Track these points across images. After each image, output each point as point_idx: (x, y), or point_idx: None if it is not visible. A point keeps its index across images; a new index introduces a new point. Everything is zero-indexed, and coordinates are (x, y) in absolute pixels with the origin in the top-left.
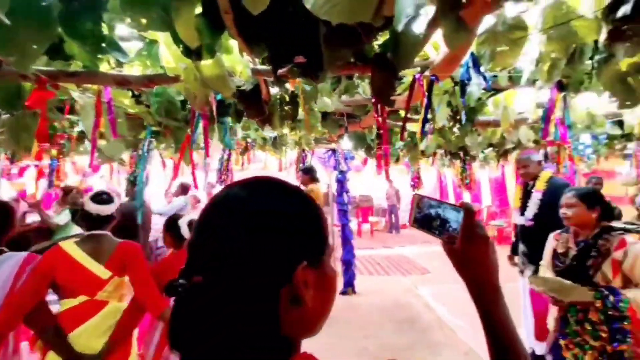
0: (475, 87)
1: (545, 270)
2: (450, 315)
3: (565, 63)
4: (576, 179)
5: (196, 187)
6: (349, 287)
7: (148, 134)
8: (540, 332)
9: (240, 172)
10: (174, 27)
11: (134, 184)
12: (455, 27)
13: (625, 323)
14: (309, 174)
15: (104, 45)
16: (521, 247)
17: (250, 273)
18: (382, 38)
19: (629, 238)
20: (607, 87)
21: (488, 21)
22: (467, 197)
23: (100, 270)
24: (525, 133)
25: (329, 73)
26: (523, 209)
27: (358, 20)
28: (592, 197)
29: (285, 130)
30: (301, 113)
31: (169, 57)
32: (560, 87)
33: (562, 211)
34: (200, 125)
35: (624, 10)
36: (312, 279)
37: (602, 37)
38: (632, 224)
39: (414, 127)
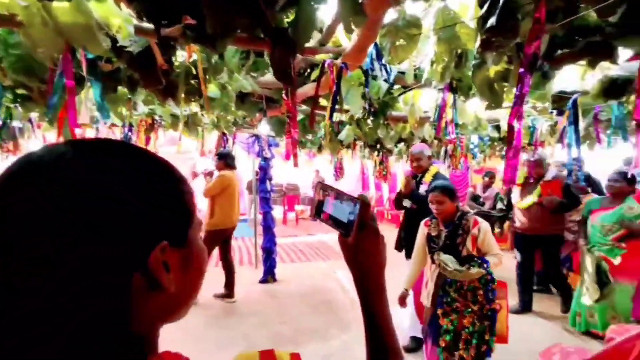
0: (382, 77)
1: (421, 250)
2: None
3: (455, 66)
4: (469, 175)
5: None
6: (269, 275)
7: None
8: (420, 311)
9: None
10: None
11: None
12: (352, 11)
13: (494, 285)
14: (223, 159)
15: None
16: (403, 234)
17: (84, 262)
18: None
19: (478, 218)
20: (479, 91)
21: (391, 15)
22: (385, 188)
23: None
24: (428, 130)
25: (228, 44)
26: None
27: None
28: (452, 192)
29: (195, 109)
30: (215, 91)
31: None
32: (451, 89)
33: (433, 207)
34: (63, 84)
35: (491, 21)
36: (175, 261)
37: (477, 44)
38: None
39: (335, 116)
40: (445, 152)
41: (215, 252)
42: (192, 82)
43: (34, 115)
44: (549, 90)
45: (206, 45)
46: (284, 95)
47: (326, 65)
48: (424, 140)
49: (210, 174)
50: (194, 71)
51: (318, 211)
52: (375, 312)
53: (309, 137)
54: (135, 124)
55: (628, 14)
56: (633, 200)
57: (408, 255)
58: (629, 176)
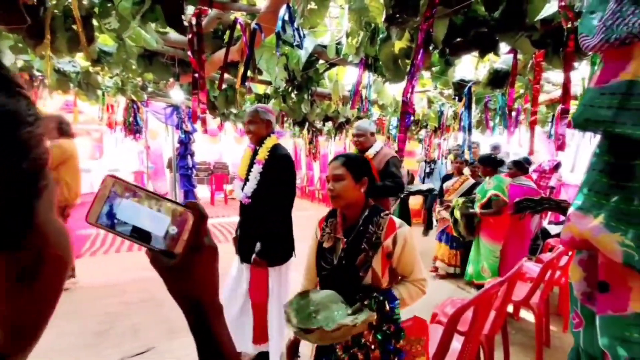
0: (304, 52)
1: (311, 271)
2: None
3: (370, 42)
4: None
5: None
6: None
7: None
8: (261, 333)
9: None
10: None
11: None
12: None
13: (402, 341)
14: (55, 124)
15: None
16: (239, 232)
17: None
18: None
19: (396, 220)
20: (384, 65)
21: None
22: (316, 167)
23: None
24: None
25: None
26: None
27: None
28: (360, 166)
29: (81, 61)
30: (111, 45)
31: None
32: (367, 65)
33: (328, 186)
34: None
35: None
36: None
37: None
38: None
39: (258, 88)
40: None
41: None
42: (73, 27)
43: None
44: (451, 76)
45: None
46: (189, 52)
47: (237, 24)
48: (347, 120)
49: None
50: (75, 14)
51: (109, 215)
52: (216, 339)
53: (234, 110)
54: None
55: (507, 10)
56: (499, 178)
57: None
58: (497, 159)
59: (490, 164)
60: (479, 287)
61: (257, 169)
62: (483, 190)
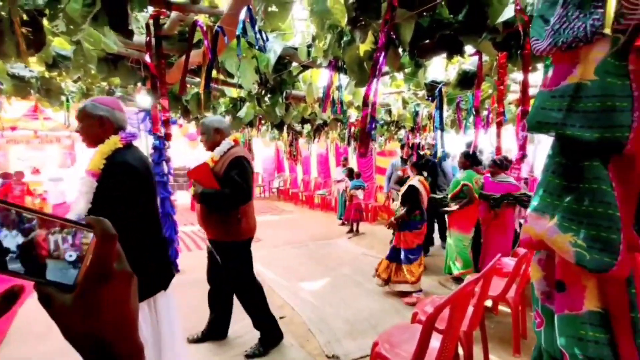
0: (272, 54)
1: None
2: (272, 275)
3: (337, 45)
4: (373, 157)
5: None
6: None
7: None
8: None
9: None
10: None
11: None
12: None
13: None
14: None
15: None
16: None
17: None
18: None
19: None
20: (349, 68)
21: None
22: (299, 170)
23: None
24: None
25: None
26: None
27: None
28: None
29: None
30: (69, 48)
31: None
32: (337, 67)
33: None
34: None
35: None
36: None
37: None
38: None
39: (233, 92)
40: (350, 135)
41: None
42: (25, 30)
43: None
44: (422, 78)
45: None
46: (147, 57)
47: (197, 25)
48: (325, 123)
49: None
50: (25, 17)
51: None
52: None
53: (208, 114)
54: None
55: (470, 12)
56: (470, 172)
57: None
58: (469, 155)
59: (469, 158)
60: (458, 279)
61: (87, 182)
62: (456, 182)
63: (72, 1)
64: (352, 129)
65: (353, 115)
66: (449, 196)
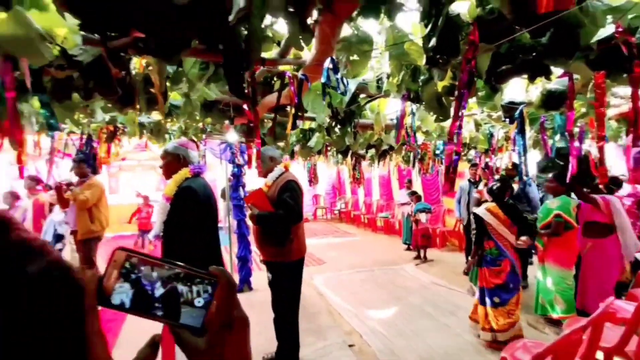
0: (348, 94)
1: None
2: (338, 299)
3: (410, 79)
4: (439, 178)
5: (21, 176)
6: (245, 283)
7: None
8: None
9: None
10: None
11: None
12: (300, 30)
13: None
14: (85, 163)
15: None
16: None
17: None
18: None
19: None
20: (427, 104)
21: (346, 31)
22: (360, 192)
23: None
24: (394, 137)
25: (182, 56)
26: None
27: None
28: None
29: (157, 116)
30: (179, 99)
31: None
32: (410, 98)
33: None
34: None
35: (433, 42)
36: None
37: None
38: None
39: (305, 123)
40: (414, 157)
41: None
42: (152, 90)
43: None
44: (499, 101)
45: (158, 57)
46: (244, 106)
47: (286, 77)
48: (391, 147)
49: (69, 185)
50: (145, 74)
51: (126, 294)
52: None
53: (281, 144)
54: (95, 133)
55: (554, 36)
56: (565, 199)
57: None
58: (559, 177)
59: (563, 182)
60: (553, 321)
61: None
62: (546, 210)
63: (192, 68)
64: (419, 151)
65: (420, 138)
66: (539, 226)
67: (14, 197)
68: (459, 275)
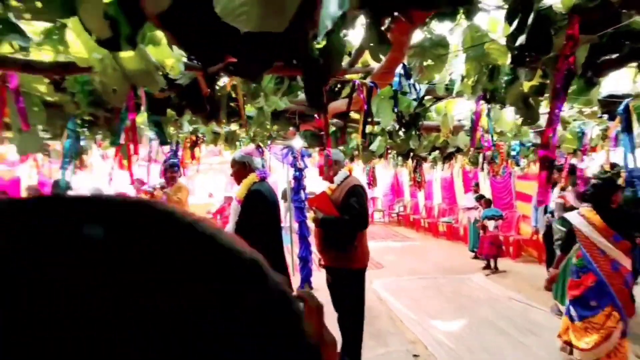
0: (414, 100)
1: None
2: (399, 305)
3: (487, 80)
4: (512, 181)
5: (132, 183)
6: (306, 283)
7: (71, 126)
8: None
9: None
10: (79, 14)
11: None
12: (378, 40)
13: None
14: (177, 167)
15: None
16: None
17: None
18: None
19: None
20: (512, 105)
21: (419, 36)
22: (420, 195)
23: None
24: (463, 139)
25: (264, 74)
26: None
27: (270, 29)
28: None
29: (234, 127)
30: (252, 110)
31: (80, 45)
32: (485, 99)
33: None
34: (128, 119)
35: (521, 40)
36: None
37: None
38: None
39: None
40: (484, 158)
41: None
42: (232, 104)
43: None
44: (595, 95)
45: (246, 77)
46: (315, 115)
47: (356, 85)
48: (458, 149)
49: (162, 187)
50: (233, 95)
51: None
52: None
53: (341, 148)
54: (181, 142)
55: None
56: None
57: None
58: None
59: None
60: None
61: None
62: None
63: (268, 83)
64: (487, 152)
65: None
66: None
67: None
68: (539, 290)
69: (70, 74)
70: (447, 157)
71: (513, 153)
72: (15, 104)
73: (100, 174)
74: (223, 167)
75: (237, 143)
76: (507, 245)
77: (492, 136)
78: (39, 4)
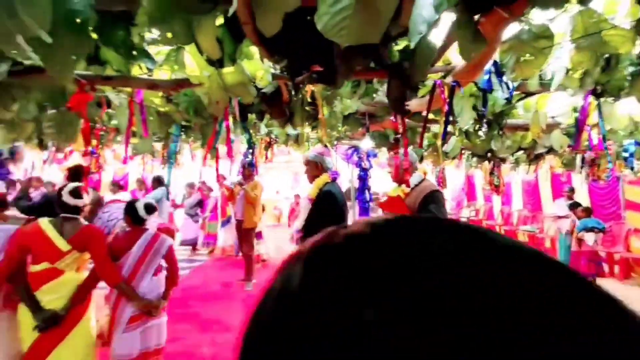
0: (501, 93)
1: None
2: None
3: (600, 71)
4: (620, 186)
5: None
6: None
7: (176, 132)
8: None
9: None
10: (197, 40)
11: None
12: (470, 38)
13: None
14: (253, 167)
15: (134, 52)
16: None
17: None
18: (402, 43)
19: None
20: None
21: (513, 28)
22: (496, 199)
23: (62, 244)
24: (558, 138)
25: (346, 80)
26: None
27: (367, 42)
28: None
29: (307, 129)
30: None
31: (194, 65)
32: (595, 94)
33: None
34: (224, 125)
35: None
36: None
37: (637, 48)
38: None
39: (436, 128)
40: (583, 159)
41: None
42: (307, 108)
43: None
44: None
45: (330, 84)
46: (392, 118)
47: (436, 84)
48: (550, 150)
49: (240, 184)
50: (308, 99)
51: None
52: None
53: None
54: (257, 143)
55: None
56: None
57: None
58: None
59: None
60: None
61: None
62: None
63: (345, 87)
64: (587, 153)
65: (596, 137)
66: None
67: (208, 189)
68: None
69: (184, 88)
70: (535, 159)
71: (625, 154)
72: (140, 114)
73: (189, 170)
74: (290, 165)
75: (306, 143)
76: (612, 263)
77: (604, 135)
78: (169, 35)
